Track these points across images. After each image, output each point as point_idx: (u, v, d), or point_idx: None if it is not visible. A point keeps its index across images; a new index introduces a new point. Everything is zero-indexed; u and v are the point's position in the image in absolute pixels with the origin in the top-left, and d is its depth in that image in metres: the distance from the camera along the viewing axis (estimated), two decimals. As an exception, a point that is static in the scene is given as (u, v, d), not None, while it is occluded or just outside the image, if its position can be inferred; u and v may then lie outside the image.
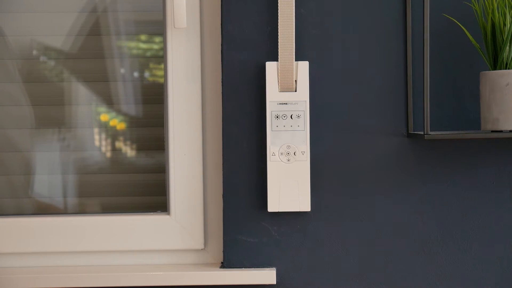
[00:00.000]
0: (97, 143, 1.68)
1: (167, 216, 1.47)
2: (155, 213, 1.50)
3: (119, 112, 1.67)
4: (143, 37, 1.69)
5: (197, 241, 1.46)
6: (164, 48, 1.48)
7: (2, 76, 1.65)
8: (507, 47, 1.28)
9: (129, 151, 1.69)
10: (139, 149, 1.67)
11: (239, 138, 1.39)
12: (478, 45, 1.33)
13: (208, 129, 1.46)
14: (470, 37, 1.33)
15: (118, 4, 1.66)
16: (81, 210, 1.63)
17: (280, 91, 1.36)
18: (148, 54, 1.68)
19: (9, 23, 1.63)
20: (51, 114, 1.66)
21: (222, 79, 1.39)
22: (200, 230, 1.46)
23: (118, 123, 1.69)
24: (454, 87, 1.40)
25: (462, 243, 1.40)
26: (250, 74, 1.39)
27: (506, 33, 1.28)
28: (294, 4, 1.35)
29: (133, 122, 1.67)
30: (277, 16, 1.36)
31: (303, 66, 1.36)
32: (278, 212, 1.38)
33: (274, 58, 1.38)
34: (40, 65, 1.65)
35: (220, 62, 1.40)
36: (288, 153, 1.36)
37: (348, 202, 1.40)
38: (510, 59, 1.29)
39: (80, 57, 1.63)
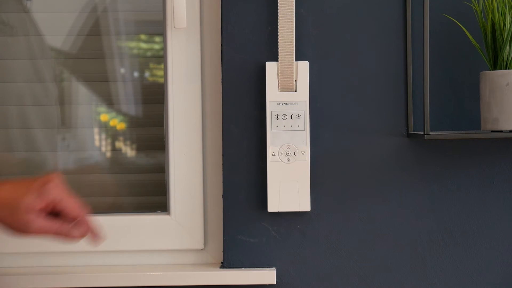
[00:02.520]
0: (97, 143, 1.68)
1: (167, 216, 1.47)
2: (155, 213, 1.50)
3: (119, 112, 1.67)
4: (143, 37, 1.69)
5: (197, 241, 1.46)
6: (164, 48, 1.47)
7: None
8: (507, 47, 1.28)
9: (129, 151, 1.69)
10: (139, 149, 1.67)
11: (239, 138, 1.39)
12: (478, 45, 1.33)
13: (208, 129, 1.46)
14: (470, 37, 1.33)
15: (118, 4, 1.66)
16: (81, 210, 1.62)
17: (280, 91, 1.36)
18: (148, 54, 1.68)
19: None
20: (51, 114, 1.66)
21: (222, 79, 1.39)
22: (200, 230, 1.46)
23: (118, 123, 1.69)
24: (454, 87, 1.40)
25: (462, 243, 1.40)
26: (250, 74, 1.39)
27: (506, 33, 1.28)
28: (294, 4, 1.35)
29: (133, 122, 1.67)
30: (277, 16, 1.36)
31: (303, 66, 1.36)
32: (278, 212, 1.38)
33: (274, 58, 1.38)
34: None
35: (220, 62, 1.40)
36: (288, 153, 1.36)
37: (348, 202, 1.40)
38: (510, 59, 1.29)
39: (80, 57, 1.63)
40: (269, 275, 1.38)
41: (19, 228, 1.11)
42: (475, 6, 1.33)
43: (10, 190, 1.10)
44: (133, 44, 1.68)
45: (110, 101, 1.67)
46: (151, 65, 1.66)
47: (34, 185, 1.10)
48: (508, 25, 1.28)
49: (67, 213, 1.12)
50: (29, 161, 1.66)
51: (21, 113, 1.66)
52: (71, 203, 1.12)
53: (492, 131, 1.30)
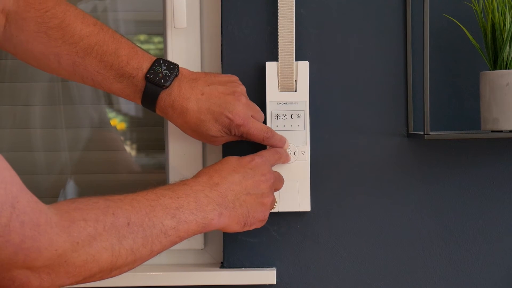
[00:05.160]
0: (97, 143, 1.68)
1: (167, 216, 1.46)
2: (155, 213, 1.49)
3: (119, 112, 1.67)
4: (142, 37, 1.69)
5: (197, 241, 1.45)
6: (164, 48, 1.47)
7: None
8: (507, 47, 1.28)
9: (129, 151, 1.69)
10: (139, 149, 1.67)
11: (239, 138, 1.38)
12: (478, 45, 1.33)
13: (208, 129, 1.46)
14: (470, 37, 1.33)
15: (118, 4, 1.66)
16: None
17: (280, 91, 1.36)
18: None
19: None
20: (51, 114, 1.66)
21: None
22: (200, 230, 1.46)
23: (118, 123, 1.69)
24: (454, 87, 1.40)
25: (462, 243, 1.40)
26: (250, 74, 1.38)
27: (506, 33, 1.28)
28: (294, 4, 1.35)
29: (133, 122, 1.67)
30: (277, 16, 1.36)
31: (303, 66, 1.36)
32: (278, 212, 1.38)
33: (274, 58, 1.37)
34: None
35: (220, 62, 1.40)
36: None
37: (348, 202, 1.40)
38: (510, 59, 1.29)
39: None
40: (269, 275, 1.37)
41: (205, 141, 1.31)
42: (475, 6, 1.33)
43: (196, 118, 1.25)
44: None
45: (110, 101, 1.67)
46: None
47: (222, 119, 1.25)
48: (508, 25, 1.28)
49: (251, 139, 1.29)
50: (28, 161, 1.66)
51: (21, 113, 1.66)
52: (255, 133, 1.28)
53: (492, 131, 1.30)
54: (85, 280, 0.94)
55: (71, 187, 1.67)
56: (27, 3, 1.17)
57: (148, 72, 1.22)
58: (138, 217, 0.99)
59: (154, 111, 1.25)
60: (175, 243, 1.06)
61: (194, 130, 1.26)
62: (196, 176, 1.17)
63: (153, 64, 1.23)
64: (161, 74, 1.22)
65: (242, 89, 1.29)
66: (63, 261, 0.89)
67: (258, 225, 1.20)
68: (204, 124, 1.24)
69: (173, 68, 1.24)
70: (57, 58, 1.20)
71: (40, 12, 1.17)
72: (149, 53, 1.25)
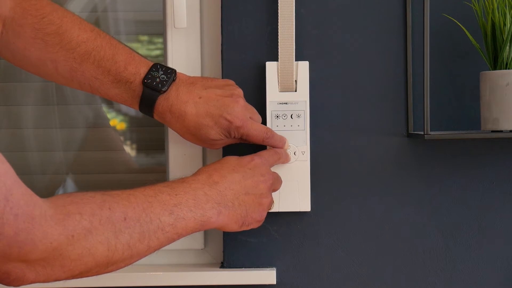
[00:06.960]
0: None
1: (167, 216, 1.46)
2: (155, 213, 1.49)
3: (119, 112, 1.67)
4: (144, 37, 1.69)
5: (197, 241, 1.46)
6: (164, 48, 1.47)
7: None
8: (507, 47, 1.28)
9: (129, 151, 1.69)
10: (139, 149, 1.67)
11: (239, 138, 1.38)
12: (478, 45, 1.33)
13: (208, 129, 1.46)
14: (470, 37, 1.33)
15: (118, 4, 1.66)
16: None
17: (280, 91, 1.36)
18: (151, 54, 1.68)
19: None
20: (46, 113, 1.66)
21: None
22: (200, 230, 1.46)
23: (118, 123, 1.69)
24: (454, 87, 1.40)
25: (462, 243, 1.40)
26: (250, 74, 1.38)
27: (506, 33, 1.28)
28: (294, 4, 1.35)
29: (133, 122, 1.67)
30: (277, 16, 1.36)
31: (303, 66, 1.36)
32: (278, 212, 1.38)
33: (274, 58, 1.37)
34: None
35: (220, 62, 1.40)
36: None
37: (348, 202, 1.40)
38: (510, 59, 1.29)
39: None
40: (269, 275, 1.37)
41: (204, 145, 1.30)
42: (475, 6, 1.33)
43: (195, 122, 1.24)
44: (133, 44, 1.68)
45: (110, 101, 1.67)
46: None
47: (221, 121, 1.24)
48: (508, 25, 1.28)
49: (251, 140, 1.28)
50: (24, 161, 1.66)
51: (20, 113, 1.66)
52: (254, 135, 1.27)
53: (492, 131, 1.30)
54: (81, 275, 0.94)
55: (68, 187, 1.67)
56: (23, 9, 1.17)
57: (146, 77, 1.22)
58: (135, 212, 0.99)
59: (152, 116, 1.25)
60: (173, 240, 1.06)
61: (193, 134, 1.26)
62: (196, 174, 1.17)
63: (150, 69, 1.23)
64: (158, 79, 1.22)
65: (239, 91, 1.29)
66: (58, 254, 0.89)
67: (255, 225, 1.21)
68: (203, 128, 1.24)
69: (171, 73, 1.24)
70: (54, 64, 1.20)
71: (37, 19, 1.18)
72: (147, 59, 1.25)
